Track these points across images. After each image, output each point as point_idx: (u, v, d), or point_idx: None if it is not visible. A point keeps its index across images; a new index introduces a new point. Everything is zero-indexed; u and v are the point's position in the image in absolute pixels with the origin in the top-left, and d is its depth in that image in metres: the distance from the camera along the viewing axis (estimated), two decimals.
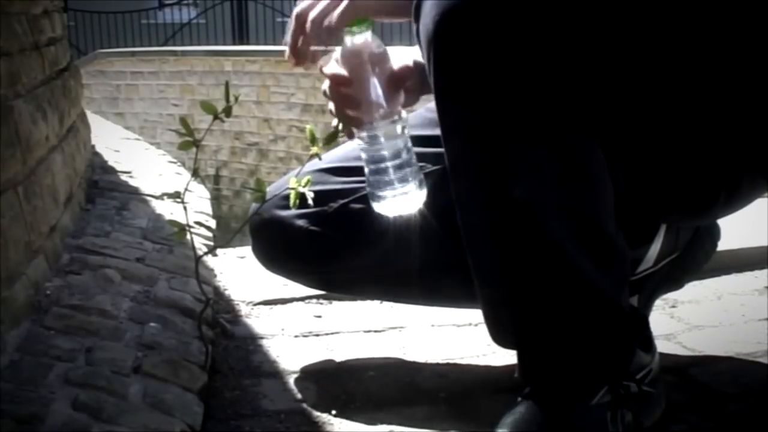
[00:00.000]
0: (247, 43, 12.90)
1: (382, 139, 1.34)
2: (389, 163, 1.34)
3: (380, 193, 1.36)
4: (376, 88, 1.33)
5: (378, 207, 1.37)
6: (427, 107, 1.55)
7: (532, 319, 1.29)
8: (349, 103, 1.36)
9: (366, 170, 1.37)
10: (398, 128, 1.34)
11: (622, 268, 1.32)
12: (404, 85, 1.35)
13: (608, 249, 1.27)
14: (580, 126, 1.23)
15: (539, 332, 1.29)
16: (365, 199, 1.44)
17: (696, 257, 1.56)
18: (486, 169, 1.23)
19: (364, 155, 1.36)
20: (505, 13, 1.17)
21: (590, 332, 1.28)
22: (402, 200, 1.35)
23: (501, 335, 1.35)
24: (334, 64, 1.39)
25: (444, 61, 1.20)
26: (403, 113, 1.36)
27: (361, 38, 1.32)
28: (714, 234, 1.58)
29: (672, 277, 1.54)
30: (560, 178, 1.23)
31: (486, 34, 1.17)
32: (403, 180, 1.35)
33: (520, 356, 1.33)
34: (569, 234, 1.23)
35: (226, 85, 1.40)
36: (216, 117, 1.38)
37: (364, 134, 1.35)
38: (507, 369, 1.58)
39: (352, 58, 1.35)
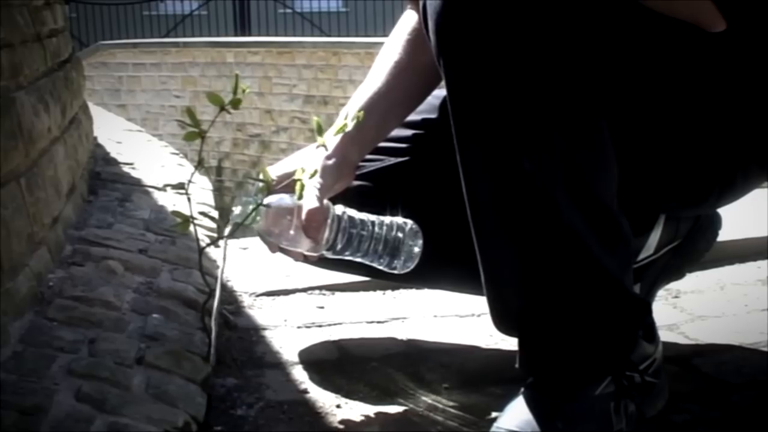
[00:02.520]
0: (249, 35, 12.89)
1: (345, 245, 1.37)
2: (372, 247, 1.38)
3: (392, 266, 1.39)
4: (301, 240, 1.36)
5: (399, 272, 1.41)
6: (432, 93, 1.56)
7: (537, 298, 1.28)
8: (294, 253, 1.41)
9: (366, 262, 1.40)
10: (346, 228, 1.36)
11: (626, 250, 1.31)
12: (322, 221, 1.36)
13: (614, 229, 1.27)
14: (591, 102, 1.23)
15: (544, 312, 1.28)
16: (366, 177, 1.45)
17: (697, 245, 1.56)
18: (497, 143, 1.22)
19: (356, 259, 1.40)
20: None
21: (595, 312, 1.27)
22: (409, 259, 1.39)
23: (503, 319, 1.34)
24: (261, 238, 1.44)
25: (453, 38, 1.20)
26: (339, 211, 1.37)
27: (262, 219, 1.37)
28: (715, 222, 1.58)
29: (673, 265, 1.54)
30: (571, 152, 1.22)
31: (495, 10, 1.17)
32: (395, 246, 1.38)
33: (521, 342, 1.33)
34: (578, 210, 1.23)
35: (236, 77, 1.39)
36: (222, 109, 1.38)
37: (329, 255, 1.39)
38: (510, 359, 1.59)
39: (266, 233, 1.39)
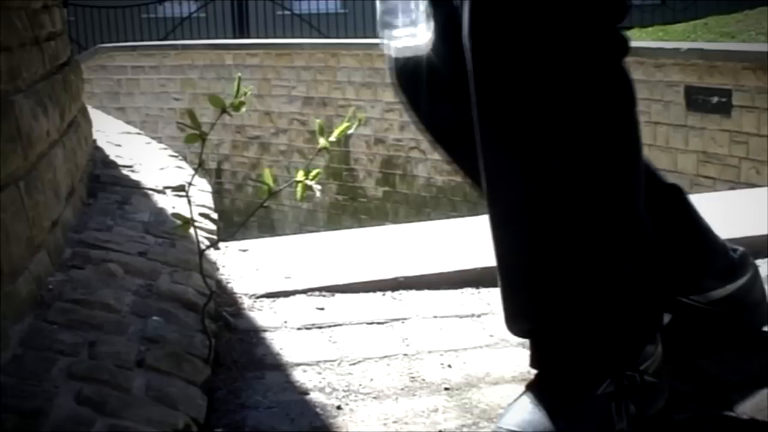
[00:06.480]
0: (248, 37, 12.90)
1: None
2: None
3: (388, 31, 1.34)
4: None
5: (386, 44, 1.35)
6: None
7: (553, 298, 1.29)
8: None
9: (378, 6, 1.34)
10: None
11: (647, 252, 1.31)
12: None
13: (639, 233, 1.28)
14: (624, 101, 1.24)
15: (558, 313, 1.29)
16: None
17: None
18: (525, 144, 1.23)
19: None
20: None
21: (610, 314, 1.28)
22: (410, 40, 1.34)
23: (517, 320, 1.35)
24: None
25: (482, 40, 1.22)
26: None
27: None
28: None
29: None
30: (598, 152, 1.23)
31: (522, 15, 1.19)
32: (414, 21, 1.33)
33: (534, 341, 1.33)
34: (603, 211, 1.23)
35: (238, 80, 1.39)
36: (224, 111, 1.38)
37: None
38: (510, 360, 1.59)
39: None
